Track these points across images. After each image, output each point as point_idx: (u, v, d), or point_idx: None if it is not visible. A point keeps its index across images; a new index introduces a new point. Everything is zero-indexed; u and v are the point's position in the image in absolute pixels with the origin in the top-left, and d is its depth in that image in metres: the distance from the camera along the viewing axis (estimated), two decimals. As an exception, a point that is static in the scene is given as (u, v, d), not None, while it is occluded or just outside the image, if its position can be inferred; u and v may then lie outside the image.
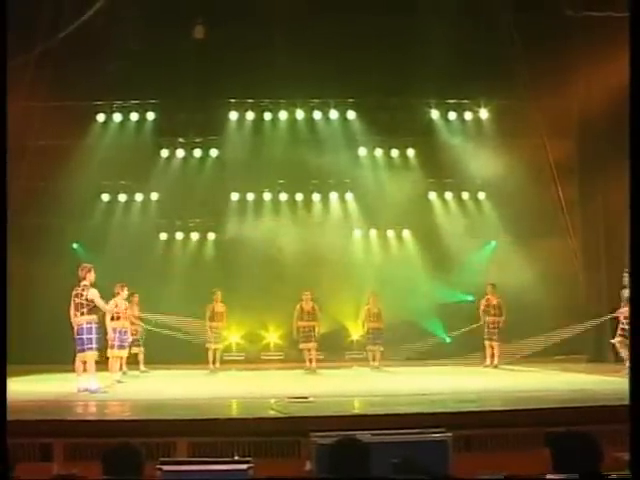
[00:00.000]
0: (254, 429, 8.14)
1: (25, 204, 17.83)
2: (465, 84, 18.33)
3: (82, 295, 12.02)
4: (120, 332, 14.98)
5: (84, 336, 11.95)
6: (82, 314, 11.96)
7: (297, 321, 17.21)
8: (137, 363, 17.03)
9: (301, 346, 17.31)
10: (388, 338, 18.03)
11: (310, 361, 17.12)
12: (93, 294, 12.08)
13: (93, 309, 12.08)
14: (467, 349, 17.81)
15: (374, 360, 17.58)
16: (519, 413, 8.86)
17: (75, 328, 12.07)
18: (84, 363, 12.11)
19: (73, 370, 12.44)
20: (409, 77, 18.03)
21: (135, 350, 17.00)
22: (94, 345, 12.01)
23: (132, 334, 16.84)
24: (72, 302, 12.13)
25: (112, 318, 14.63)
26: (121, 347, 15.09)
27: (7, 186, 6.05)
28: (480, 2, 17.38)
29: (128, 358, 16.73)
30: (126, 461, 4.68)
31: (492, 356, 17.23)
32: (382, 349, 17.63)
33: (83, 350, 11.99)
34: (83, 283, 12.10)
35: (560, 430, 4.89)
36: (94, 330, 12.04)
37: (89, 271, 12.20)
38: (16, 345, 15.25)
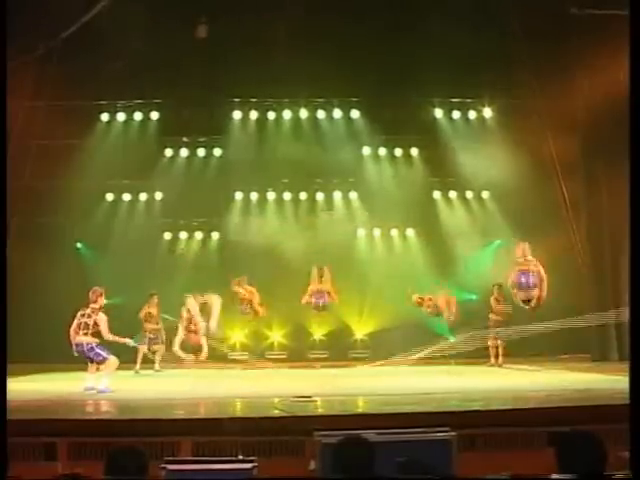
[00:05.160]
0: (258, 428, 8.13)
1: (29, 204, 17.88)
2: (469, 83, 18.33)
3: (90, 317, 12.13)
4: None
5: (87, 355, 12.10)
6: (85, 334, 12.09)
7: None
8: (153, 362, 17.20)
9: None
10: (393, 338, 18.08)
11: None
12: (101, 319, 12.17)
13: (96, 334, 12.16)
14: (472, 348, 17.79)
15: (497, 357, 17.17)
16: (524, 412, 8.85)
17: (75, 347, 12.17)
18: (97, 367, 12.22)
19: (78, 369, 12.53)
20: (413, 76, 18.03)
21: (154, 348, 17.10)
22: (104, 356, 12.04)
23: (151, 334, 17.00)
24: (76, 320, 12.23)
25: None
26: None
27: (9, 186, 6.06)
28: (484, 0, 17.35)
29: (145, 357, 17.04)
30: (129, 465, 4.66)
31: (497, 355, 17.21)
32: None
33: (100, 362, 12.07)
34: (92, 306, 12.22)
35: (564, 430, 4.87)
36: (96, 347, 12.08)
37: (100, 295, 12.34)
38: (20, 344, 15.34)
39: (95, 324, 12.09)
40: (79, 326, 12.11)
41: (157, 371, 16.99)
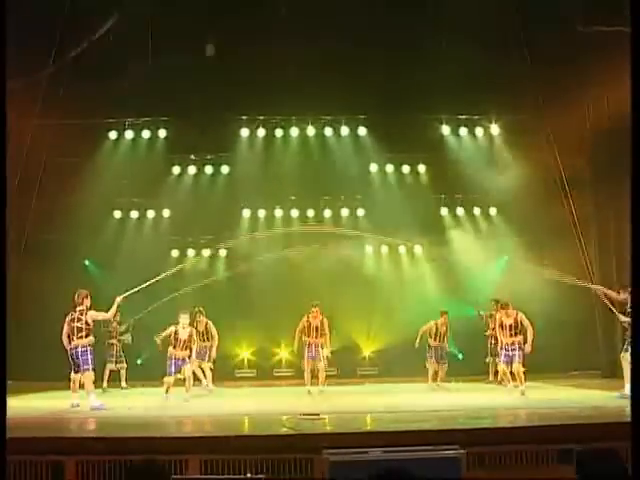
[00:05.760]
0: (266, 446, 8.10)
1: (38, 220, 17.95)
2: (476, 100, 18.33)
3: (80, 319, 12.31)
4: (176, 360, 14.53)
5: (80, 359, 12.25)
6: (80, 338, 12.27)
7: (300, 334, 16.04)
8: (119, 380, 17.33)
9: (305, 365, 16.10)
10: (401, 355, 18.06)
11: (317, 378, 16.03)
12: (92, 315, 12.42)
13: (90, 332, 12.36)
14: (479, 365, 17.73)
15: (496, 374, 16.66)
16: (533, 430, 8.81)
17: (70, 351, 12.35)
18: (80, 382, 12.46)
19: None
20: (420, 93, 18.04)
21: (115, 367, 17.20)
22: (90, 366, 12.27)
23: (114, 350, 17.00)
24: (67, 326, 12.41)
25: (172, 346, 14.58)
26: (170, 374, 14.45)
27: (17, 203, 6.09)
28: (492, 18, 17.39)
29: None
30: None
31: (496, 372, 17.11)
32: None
33: (79, 371, 12.32)
34: (79, 308, 12.39)
35: (587, 447, 4.84)
36: (89, 352, 12.29)
37: (86, 297, 12.51)
38: (28, 361, 15.34)
39: (87, 324, 12.27)
40: (72, 331, 12.28)
41: (124, 388, 17.15)
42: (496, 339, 15.70)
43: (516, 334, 14.25)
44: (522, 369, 14.11)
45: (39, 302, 17.36)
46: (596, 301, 18.20)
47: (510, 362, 14.33)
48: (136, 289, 13.39)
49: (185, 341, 14.55)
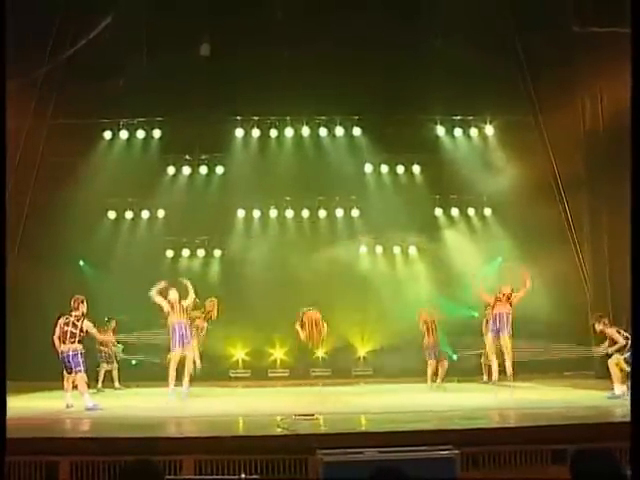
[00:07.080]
0: (261, 446, 8.10)
1: (32, 221, 17.91)
2: (471, 100, 18.35)
3: (75, 325, 12.41)
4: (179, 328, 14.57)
5: (71, 362, 12.39)
6: (72, 342, 12.40)
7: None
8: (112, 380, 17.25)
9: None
10: (396, 355, 18.05)
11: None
12: (88, 326, 12.52)
13: (82, 339, 12.50)
14: (474, 365, 17.73)
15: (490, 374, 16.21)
16: (527, 430, 8.82)
17: (61, 354, 12.47)
18: (73, 383, 12.62)
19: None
20: (415, 94, 18.07)
21: (109, 367, 17.10)
22: (82, 368, 12.40)
23: (107, 353, 16.94)
24: (59, 329, 12.47)
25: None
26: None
27: (13, 201, 6.07)
28: (486, 19, 17.42)
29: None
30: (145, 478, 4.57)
31: (489, 372, 17.06)
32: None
33: (71, 373, 12.50)
34: (75, 313, 12.47)
35: (581, 447, 4.83)
36: (79, 356, 12.42)
37: (82, 302, 12.59)
38: (24, 361, 15.30)
39: (81, 331, 12.40)
40: (65, 335, 12.37)
41: (117, 389, 17.11)
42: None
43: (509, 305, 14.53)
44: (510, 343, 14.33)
45: (34, 302, 17.33)
46: (590, 302, 18.29)
47: (498, 332, 14.50)
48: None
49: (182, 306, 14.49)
